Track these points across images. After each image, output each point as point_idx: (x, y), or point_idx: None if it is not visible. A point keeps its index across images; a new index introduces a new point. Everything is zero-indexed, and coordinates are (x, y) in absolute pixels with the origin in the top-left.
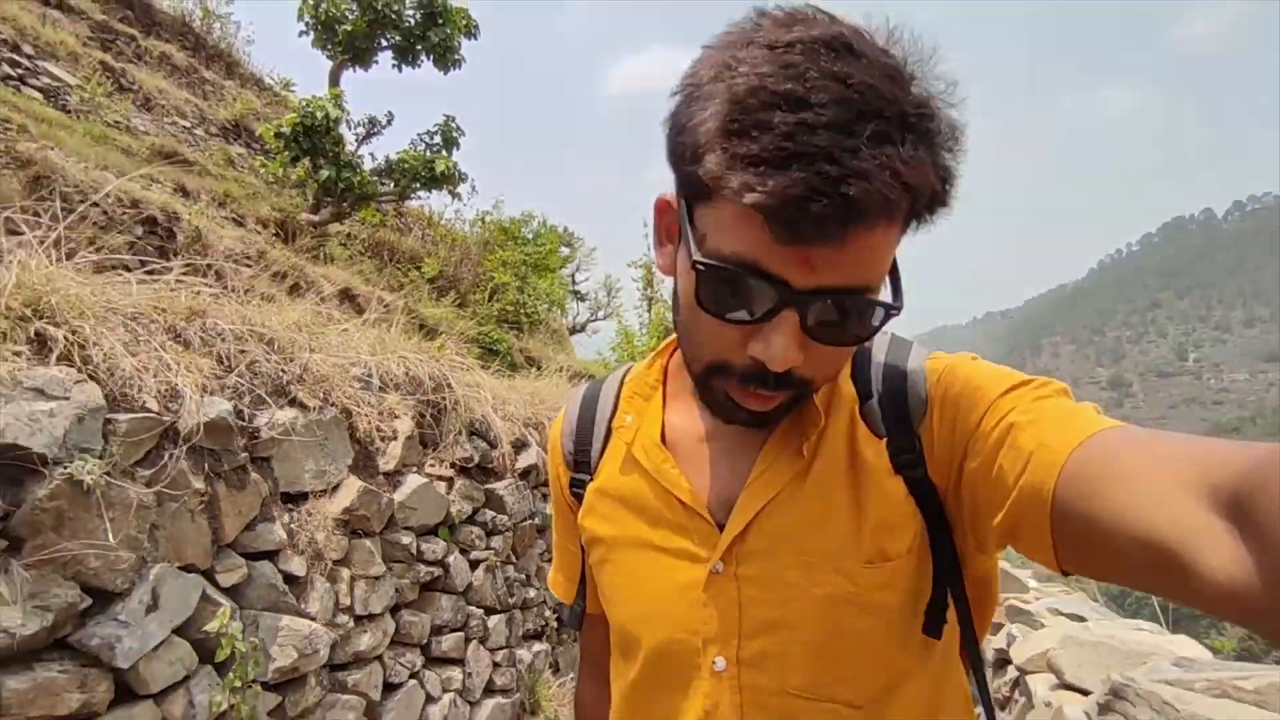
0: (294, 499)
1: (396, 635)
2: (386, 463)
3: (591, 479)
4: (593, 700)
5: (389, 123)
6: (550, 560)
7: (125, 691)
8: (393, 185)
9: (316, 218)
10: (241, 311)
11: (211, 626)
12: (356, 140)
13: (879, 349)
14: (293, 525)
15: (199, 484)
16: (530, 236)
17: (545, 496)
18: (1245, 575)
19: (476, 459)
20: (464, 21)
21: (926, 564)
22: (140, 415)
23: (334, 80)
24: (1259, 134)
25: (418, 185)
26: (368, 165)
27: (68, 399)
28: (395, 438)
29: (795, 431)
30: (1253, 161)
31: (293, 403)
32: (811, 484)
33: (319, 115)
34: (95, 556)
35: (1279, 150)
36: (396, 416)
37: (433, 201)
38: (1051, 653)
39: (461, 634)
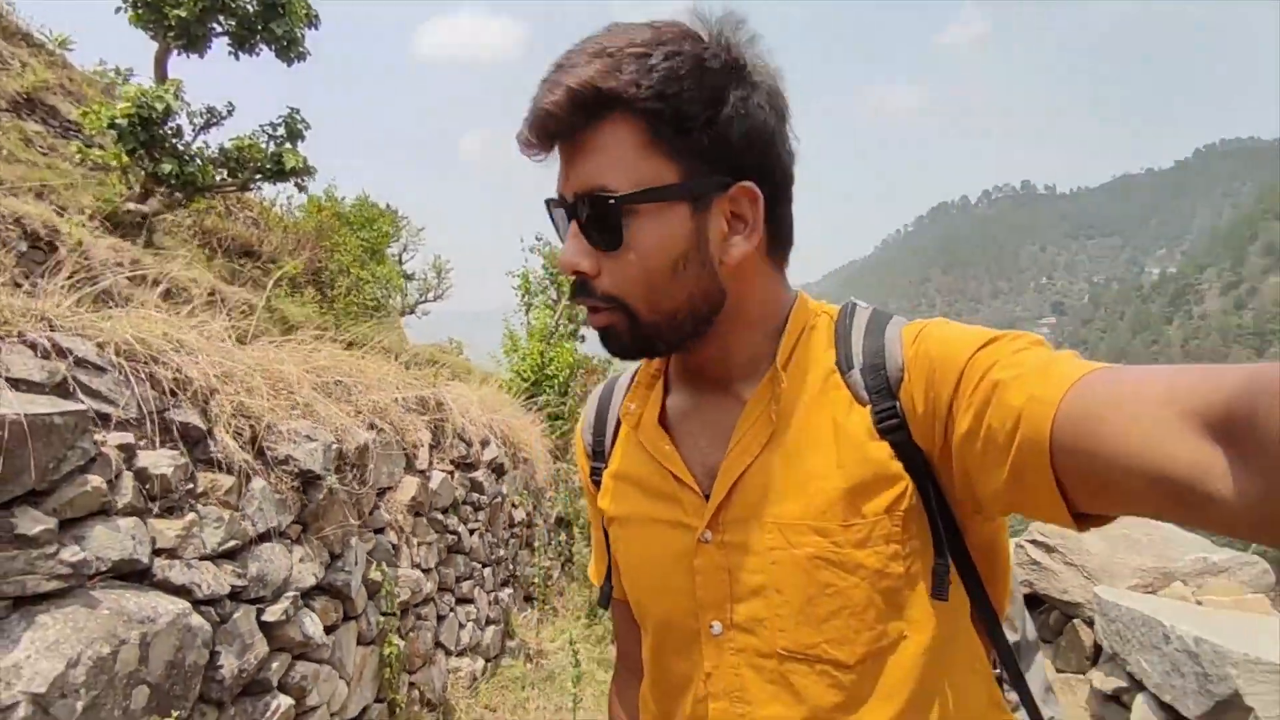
0: (380, 493)
1: (440, 583)
2: (420, 464)
3: (606, 465)
4: (628, 704)
5: (229, 113)
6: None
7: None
8: (232, 176)
9: (145, 208)
10: (333, 360)
11: (374, 575)
12: (194, 130)
13: (859, 323)
14: (385, 511)
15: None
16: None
17: (501, 479)
18: (1258, 493)
19: (464, 456)
20: (305, 11)
21: (920, 526)
22: (347, 445)
23: (159, 63)
24: (1001, 131)
25: (261, 177)
26: (206, 153)
27: (317, 440)
28: (422, 446)
29: (765, 399)
30: (996, 156)
31: (371, 427)
32: (785, 449)
33: (158, 107)
34: (340, 532)
35: (1016, 147)
36: (419, 430)
37: (265, 188)
38: None
39: (472, 580)
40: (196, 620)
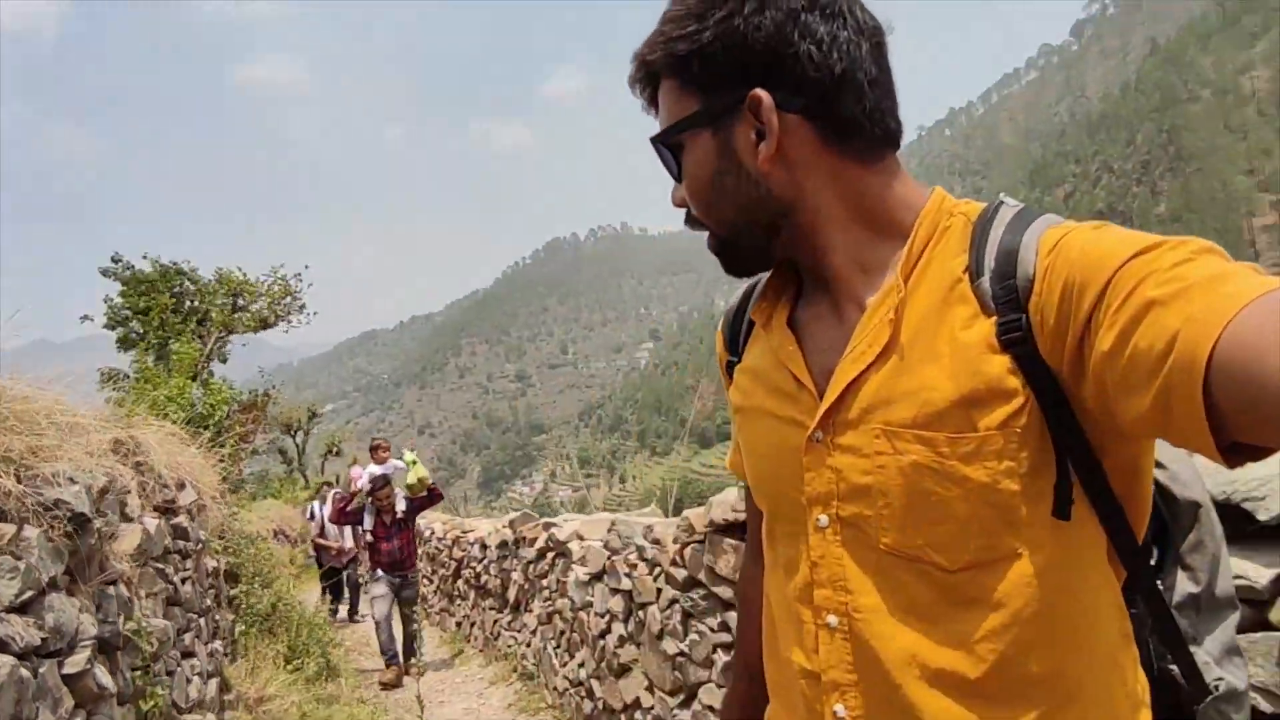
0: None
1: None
2: (132, 510)
3: (739, 360)
4: (749, 580)
5: None
6: None
7: None
8: None
9: None
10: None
11: (129, 626)
12: None
13: (999, 225)
14: (115, 560)
15: None
16: None
17: (198, 523)
18: None
19: (169, 501)
20: None
21: (1041, 442)
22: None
23: None
24: (603, 175)
25: None
26: None
27: (79, 482)
28: (130, 490)
29: (885, 308)
30: (600, 197)
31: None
32: (900, 358)
33: None
34: None
35: (615, 192)
36: (124, 474)
37: None
38: None
39: (191, 632)
40: (25, 673)
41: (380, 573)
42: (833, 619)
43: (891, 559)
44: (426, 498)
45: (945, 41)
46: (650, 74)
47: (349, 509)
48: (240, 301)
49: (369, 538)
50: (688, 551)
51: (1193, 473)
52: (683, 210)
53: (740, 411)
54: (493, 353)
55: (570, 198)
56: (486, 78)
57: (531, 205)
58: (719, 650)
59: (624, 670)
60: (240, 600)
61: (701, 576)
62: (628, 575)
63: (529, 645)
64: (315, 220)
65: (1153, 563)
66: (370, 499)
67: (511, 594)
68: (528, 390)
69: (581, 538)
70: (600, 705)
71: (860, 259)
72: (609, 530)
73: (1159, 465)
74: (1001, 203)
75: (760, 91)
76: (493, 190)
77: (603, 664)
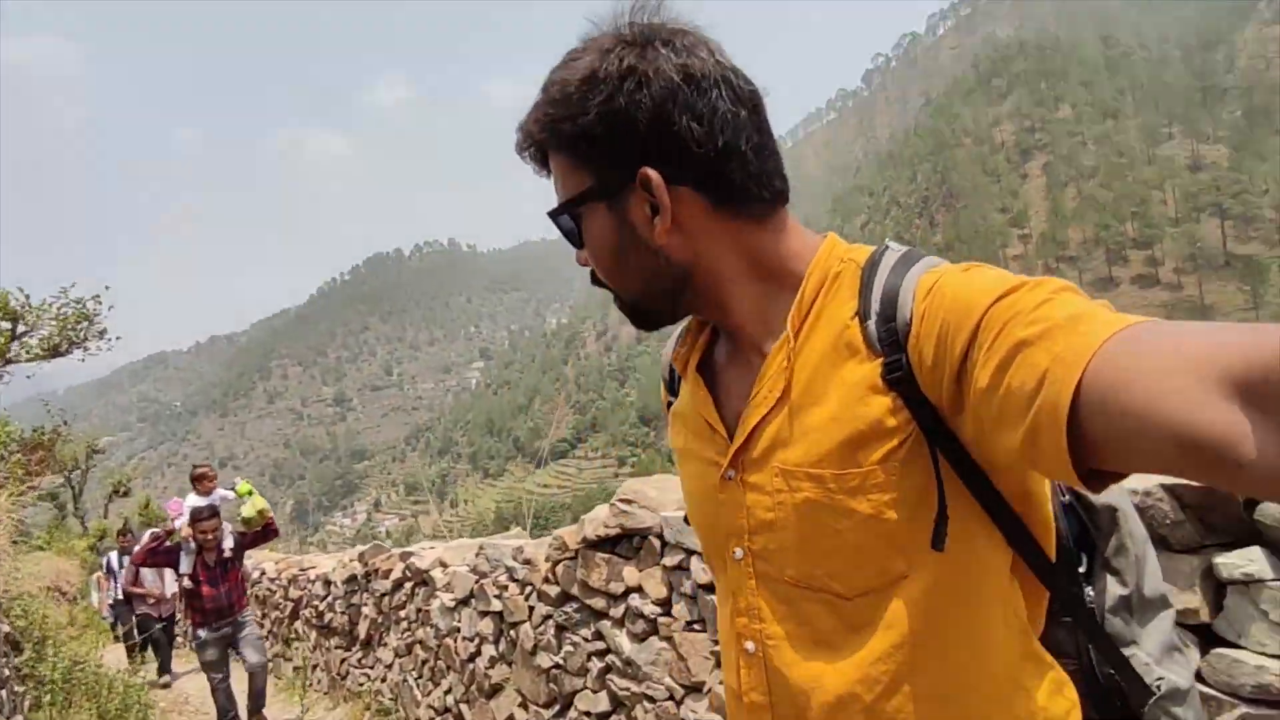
0: None
1: None
2: None
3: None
4: None
5: None
6: None
7: None
8: None
9: None
10: None
11: None
12: None
13: (884, 269)
14: None
15: None
16: None
17: None
18: None
19: None
20: None
21: (924, 475)
22: None
23: None
24: (429, 190)
25: None
26: None
27: None
28: None
29: (781, 356)
30: (426, 213)
31: None
32: (794, 401)
33: None
34: None
35: (441, 207)
36: None
37: None
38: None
39: None
40: None
41: (203, 633)
42: (750, 645)
43: (797, 590)
44: (261, 534)
45: (757, 75)
46: (538, 147)
47: (161, 548)
48: (20, 327)
49: (187, 583)
50: (560, 568)
51: None
52: (587, 269)
53: (676, 453)
54: (307, 375)
55: (394, 213)
56: (299, 82)
57: (350, 219)
58: (593, 658)
59: (496, 690)
60: (28, 669)
61: (575, 591)
62: (498, 596)
63: (384, 680)
64: (88, 227)
65: (1081, 570)
66: (190, 536)
67: (362, 629)
68: (348, 415)
69: (445, 564)
70: None
71: (760, 311)
72: (477, 554)
73: None
74: (887, 247)
75: (649, 170)
76: (306, 203)
77: (473, 686)
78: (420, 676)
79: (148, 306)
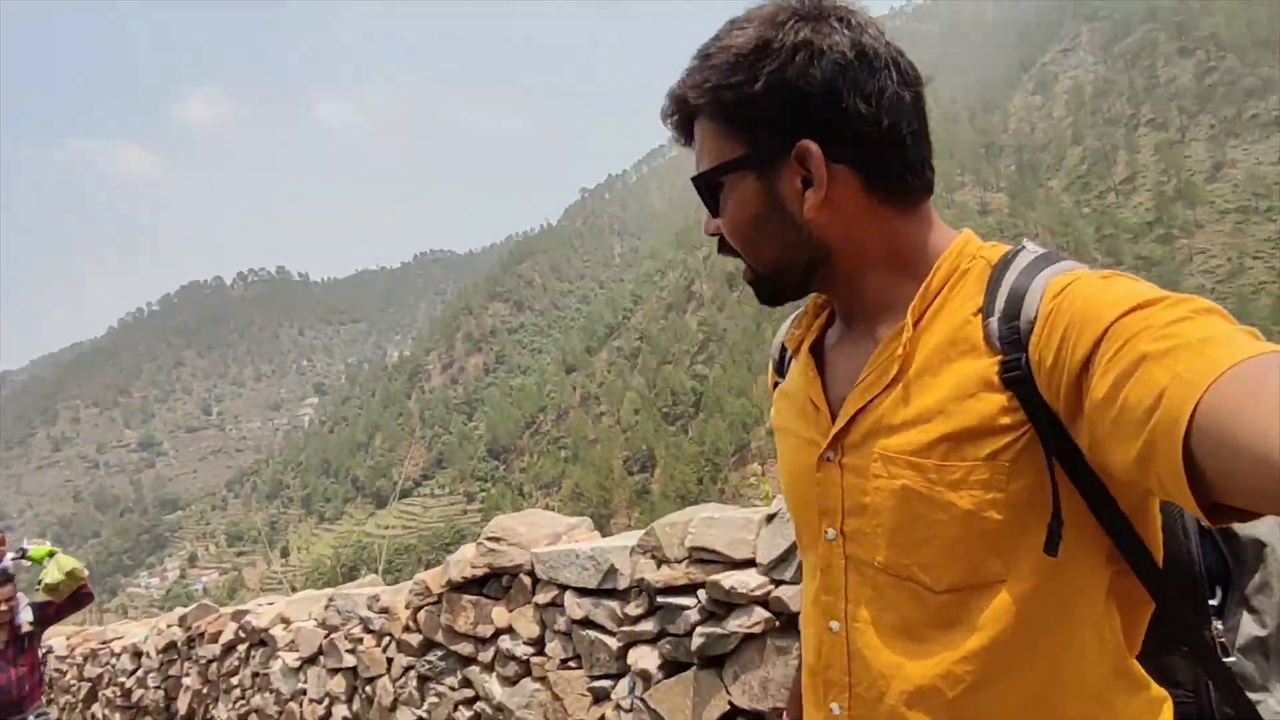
0: None
1: None
2: None
3: (782, 380)
4: None
5: None
6: None
7: None
8: None
9: None
10: None
11: None
12: None
13: (1015, 269)
14: None
15: None
16: None
17: None
18: None
19: None
20: None
21: (1035, 479)
22: None
23: None
24: (254, 215)
25: None
26: None
27: None
28: None
29: (895, 342)
30: (251, 239)
31: None
32: (904, 388)
33: None
34: None
35: (269, 233)
36: None
37: None
38: None
39: None
40: None
41: None
42: (834, 624)
43: (884, 576)
44: (72, 601)
45: (605, 113)
46: (686, 113)
47: None
48: None
49: None
50: (422, 614)
51: None
52: (715, 238)
53: (777, 431)
54: (105, 418)
55: (212, 238)
56: (93, 89)
57: (158, 245)
58: (460, 707)
59: None
60: None
61: (439, 637)
62: (351, 651)
63: None
64: None
65: (1214, 602)
66: None
67: (182, 704)
68: (157, 460)
69: (287, 620)
70: None
71: (887, 298)
72: (326, 607)
73: None
74: (1022, 247)
75: (809, 143)
76: (101, 225)
77: None
78: None
79: None
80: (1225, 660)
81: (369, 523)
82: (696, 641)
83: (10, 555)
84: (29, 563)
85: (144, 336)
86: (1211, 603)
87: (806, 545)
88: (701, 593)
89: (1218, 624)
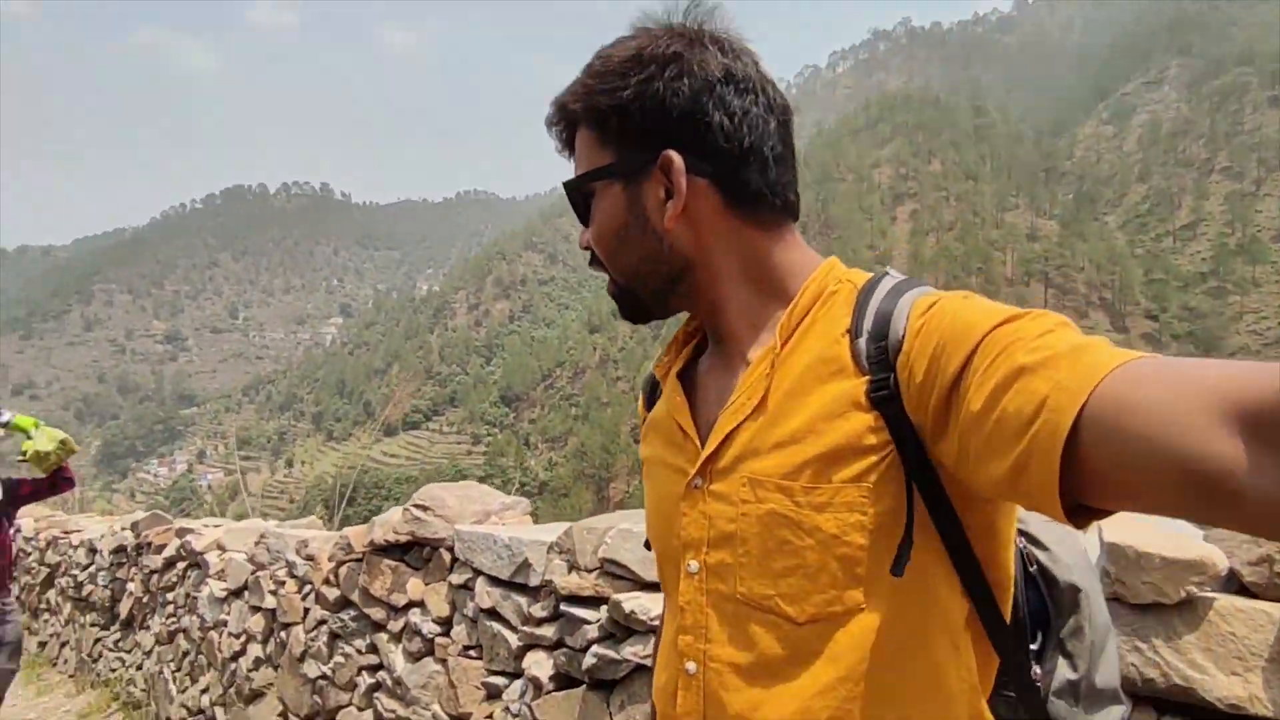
0: None
1: None
2: None
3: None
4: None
5: None
6: None
7: None
8: None
9: None
10: None
11: None
12: None
13: (881, 291)
14: None
15: None
16: None
17: None
18: None
19: None
20: None
21: (895, 501)
22: None
23: None
24: (304, 129)
25: None
26: None
27: None
28: None
29: (765, 364)
30: (297, 152)
31: None
32: (771, 411)
33: None
34: None
35: (315, 149)
36: None
37: None
38: None
39: None
40: None
41: None
42: (691, 665)
43: (746, 609)
44: (49, 483)
45: None
46: (569, 121)
47: None
48: None
49: None
50: (343, 570)
51: (1076, 555)
52: (587, 252)
53: (644, 464)
54: (137, 305)
55: (261, 145)
56: None
57: (209, 144)
58: (363, 672)
59: (256, 695)
60: None
61: (355, 597)
62: (273, 593)
63: (139, 668)
64: None
65: (1034, 646)
66: None
67: (124, 608)
68: (180, 355)
69: (223, 548)
70: None
71: (752, 318)
72: (257, 543)
73: (1041, 546)
74: (887, 273)
75: (672, 153)
76: (158, 115)
77: (232, 689)
78: (179, 670)
79: None
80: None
81: (375, 448)
82: (589, 660)
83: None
84: (6, 432)
85: (183, 232)
86: (1031, 646)
87: (669, 583)
88: (605, 608)
89: (1036, 668)
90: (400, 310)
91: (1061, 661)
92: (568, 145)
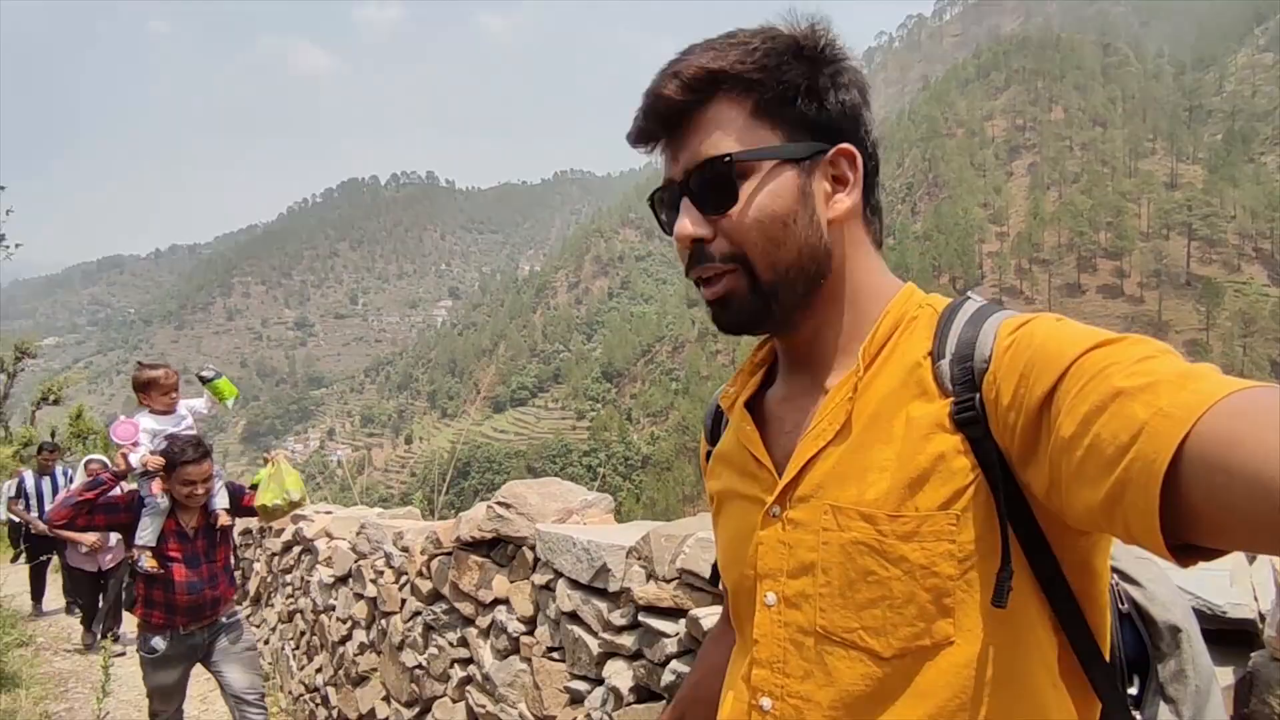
0: None
1: None
2: None
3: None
4: (712, 637)
5: None
6: None
7: None
8: None
9: None
10: None
11: None
12: None
13: (964, 315)
14: None
15: None
16: None
17: None
18: None
19: None
20: None
21: (985, 529)
22: None
23: None
24: (411, 119)
25: None
26: None
27: None
28: None
29: (845, 391)
30: (405, 143)
31: None
32: (855, 437)
33: None
34: None
35: (421, 139)
36: None
37: None
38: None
39: None
40: None
41: (159, 641)
42: (766, 701)
43: (828, 645)
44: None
45: None
46: (708, 83)
47: (105, 502)
48: None
49: (146, 562)
50: (434, 564)
51: (1172, 593)
52: (687, 244)
53: (714, 498)
54: (270, 296)
55: (372, 138)
56: None
57: (327, 140)
58: (456, 665)
59: (362, 679)
60: None
61: (445, 591)
62: (374, 581)
63: (267, 643)
64: (36, 114)
65: (1132, 691)
66: (162, 487)
67: (253, 586)
68: (309, 340)
69: (330, 536)
70: (335, 714)
71: (843, 341)
72: (359, 532)
73: (1134, 582)
74: (968, 297)
75: (851, 146)
76: (282, 117)
77: (340, 671)
78: (298, 649)
79: (109, 206)
80: None
81: (485, 424)
82: (667, 677)
83: (186, 404)
84: (211, 401)
85: (306, 225)
86: (1130, 691)
87: (742, 617)
88: (684, 622)
89: (1136, 714)
90: (504, 291)
91: (1164, 707)
92: (669, 123)
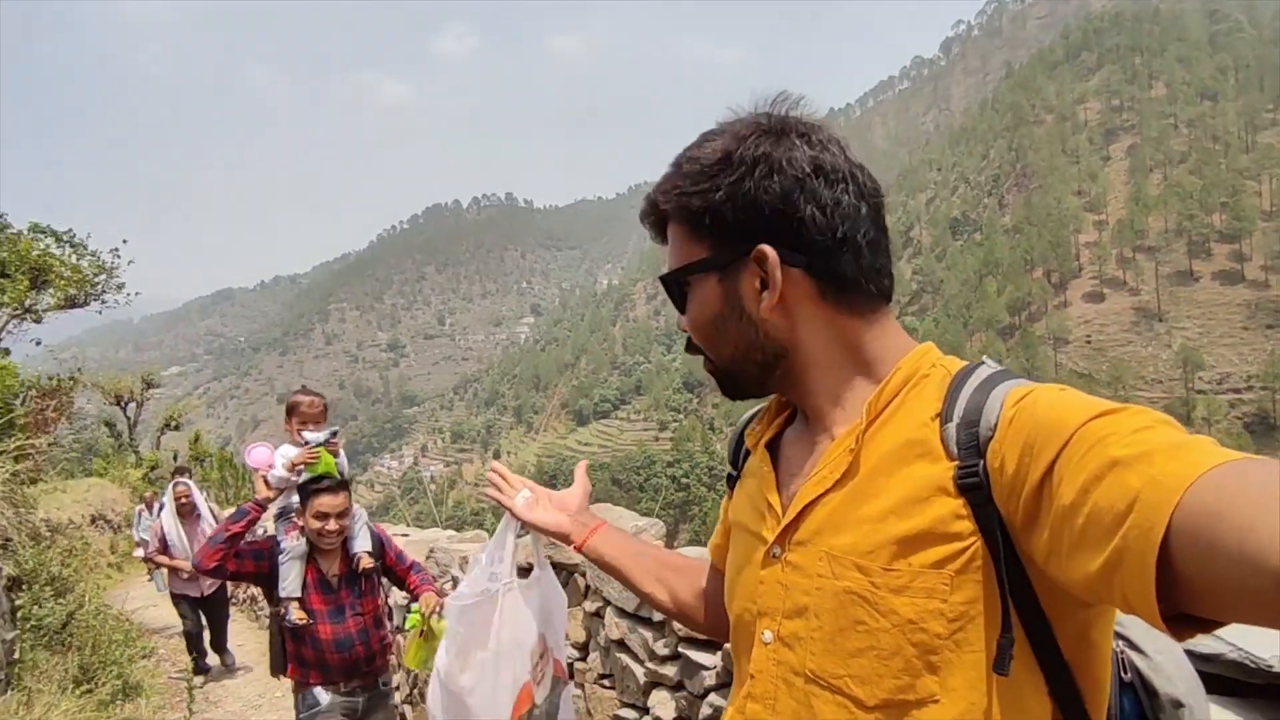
0: None
1: None
2: None
3: (739, 474)
4: (687, 563)
5: None
6: None
7: None
8: None
9: None
10: None
11: None
12: None
13: (975, 380)
14: None
15: None
16: None
17: None
18: None
19: None
20: None
21: (980, 591)
22: None
23: None
24: (488, 144)
25: None
26: None
27: None
28: None
29: (850, 440)
30: (484, 166)
31: None
32: (856, 485)
33: None
34: None
35: (499, 161)
36: None
37: None
38: None
39: None
40: None
41: (323, 694)
42: None
43: (815, 686)
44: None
45: (829, 44)
46: (661, 217)
47: (249, 545)
48: (42, 278)
49: (294, 614)
50: None
51: (1179, 666)
52: (685, 335)
53: (731, 524)
54: (364, 320)
55: (453, 163)
56: (372, 25)
57: (410, 168)
58: None
59: None
60: (25, 612)
61: None
62: None
63: None
64: (159, 163)
65: None
66: (289, 524)
67: None
68: (400, 361)
69: None
70: None
71: (841, 397)
72: (429, 556)
73: (1140, 652)
74: (983, 362)
75: (766, 247)
76: (369, 148)
77: (415, 690)
78: None
79: (220, 243)
80: None
81: (570, 437)
82: (705, 710)
83: (323, 434)
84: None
85: (395, 251)
86: None
87: (740, 650)
88: (721, 655)
89: None
90: (584, 305)
91: None
92: (660, 236)
